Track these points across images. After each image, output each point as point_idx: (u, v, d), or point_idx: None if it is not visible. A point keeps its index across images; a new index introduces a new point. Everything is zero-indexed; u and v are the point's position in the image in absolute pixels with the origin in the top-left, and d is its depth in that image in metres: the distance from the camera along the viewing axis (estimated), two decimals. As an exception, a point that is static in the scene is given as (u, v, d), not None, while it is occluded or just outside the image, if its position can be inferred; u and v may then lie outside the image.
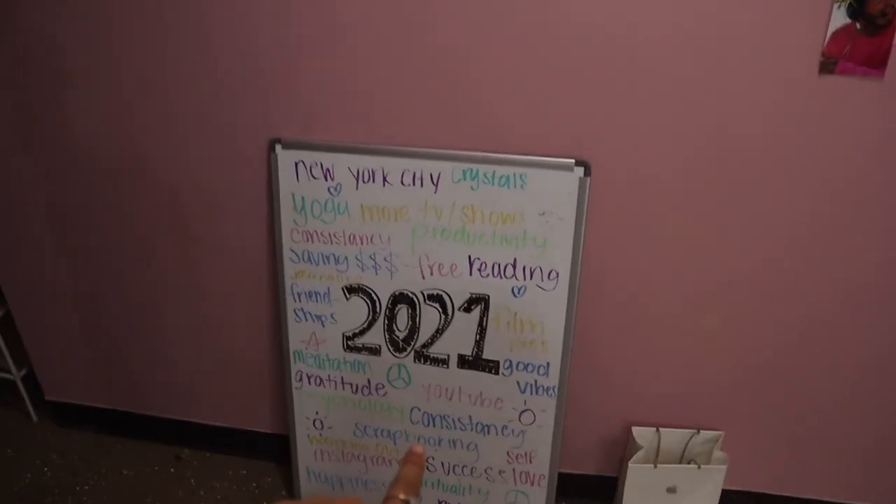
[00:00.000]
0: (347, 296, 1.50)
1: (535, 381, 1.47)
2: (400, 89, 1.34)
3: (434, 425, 1.57)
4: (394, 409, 1.58)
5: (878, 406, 1.51)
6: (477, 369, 1.49)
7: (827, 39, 1.13)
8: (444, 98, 1.33)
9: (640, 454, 1.55)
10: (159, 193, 1.56)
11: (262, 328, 1.68)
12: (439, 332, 1.48)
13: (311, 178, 1.42)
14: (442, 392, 1.53)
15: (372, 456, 1.65)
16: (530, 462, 1.55)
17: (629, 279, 1.45)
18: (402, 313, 1.48)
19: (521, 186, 1.33)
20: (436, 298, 1.45)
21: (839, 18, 1.12)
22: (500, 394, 1.50)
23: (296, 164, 1.41)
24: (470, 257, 1.41)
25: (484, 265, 1.41)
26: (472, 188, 1.35)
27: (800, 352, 1.47)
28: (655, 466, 1.53)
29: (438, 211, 1.38)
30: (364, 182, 1.40)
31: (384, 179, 1.38)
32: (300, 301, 1.53)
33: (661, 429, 1.59)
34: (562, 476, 1.56)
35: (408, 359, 1.52)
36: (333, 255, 1.47)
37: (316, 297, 1.51)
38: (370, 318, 1.50)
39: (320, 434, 1.66)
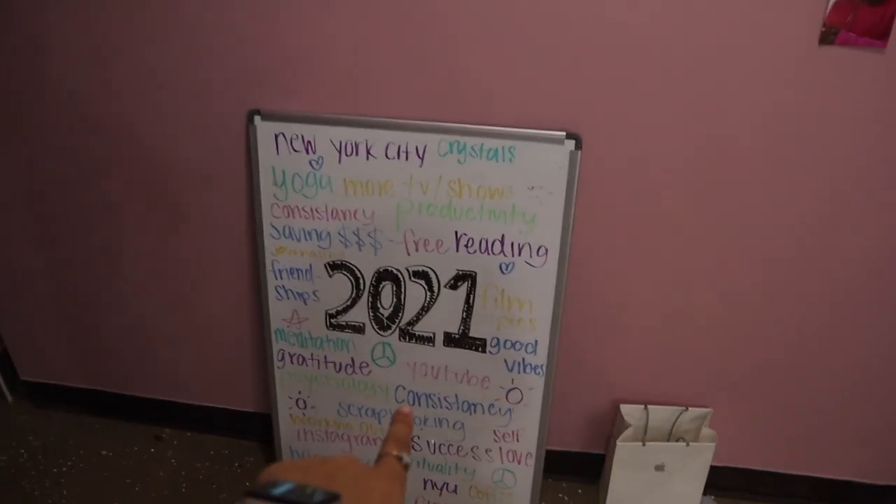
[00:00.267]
0: (330, 273, 1.45)
1: (523, 360, 1.44)
2: (384, 58, 1.28)
3: (420, 404, 1.54)
4: (378, 388, 1.55)
5: (866, 381, 1.50)
6: (463, 347, 1.46)
7: (829, 8, 1.09)
8: (430, 68, 1.28)
9: (628, 432, 1.54)
10: (136, 169, 1.50)
11: (242, 306, 1.63)
12: (425, 309, 1.44)
13: (291, 150, 1.36)
14: (427, 371, 1.50)
15: (356, 435, 1.62)
16: (517, 441, 1.52)
17: (619, 256, 1.42)
18: (387, 290, 1.45)
19: (510, 160, 1.29)
20: (421, 275, 1.41)
21: (841, -14, 1.08)
22: (486, 372, 1.47)
23: (276, 137, 1.36)
24: (456, 233, 1.36)
25: (471, 241, 1.37)
26: (458, 161, 1.31)
27: (788, 328, 1.46)
28: (644, 444, 1.52)
29: (424, 185, 1.34)
30: (347, 155, 1.34)
31: (368, 152, 1.33)
32: (281, 278, 1.48)
33: (649, 406, 1.57)
34: (548, 453, 1.55)
35: (392, 337, 1.48)
36: (315, 230, 1.42)
37: (297, 273, 1.47)
38: (354, 295, 1.46)
39: (303, 413, 1.62)
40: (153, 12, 1.31)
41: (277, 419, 1.65)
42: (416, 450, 1.58)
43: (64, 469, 1.77)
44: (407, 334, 1.47)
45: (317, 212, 1.40)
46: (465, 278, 1.40)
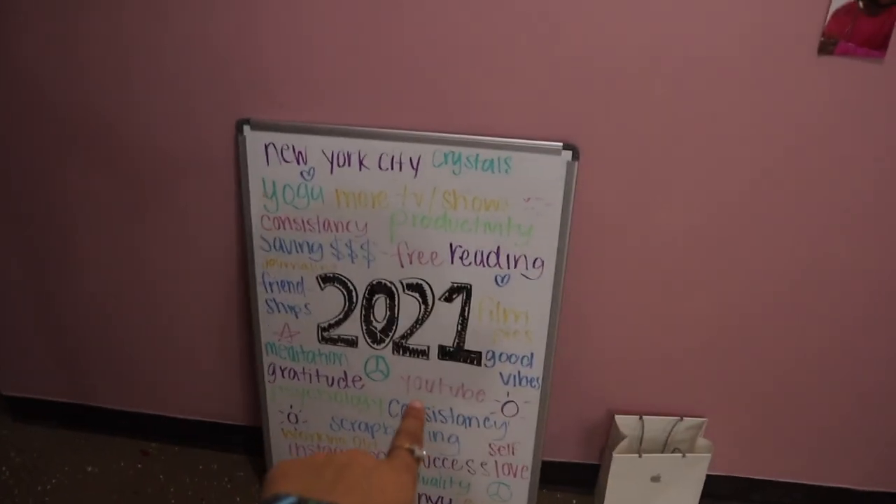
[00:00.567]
0: (322, 285, 1.42)
1: (519, 373, 1.42)
2: (377, 67, 1.25)
3: (414, 418, 1.51)
4: (371, 402, 1.52)
5: (861, 390, 1.50)
6: (458, 360, 1.44)
7: (828, 19, 1.08)
8: (424, 77, 1.25)
9: (624, 443, 1.52)
10: (121, 177, 1.46)
11: (232, 319, 1.60)
12: (419, 322, 1.42)
13: (282, 161, 1.33)
14: (422, 384, 1.48)
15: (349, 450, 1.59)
16: (513, 454, 1.51)
17: (616, 267, 1.40)
18: (380, 303, 1.42)
19: (506, 171, 1.27)
20: (415, 288, 1.39)
21: (841, -3, 1.07)
22: (482, 385, 1.45)
23: (266, 147, 1.33)
24: (451, 245, 1.34)
25: (466, 253, 1.34)
26: (453, 173, 1.28)
27: (783, 338, 1.45)
28: (640, 456, 1.51)
29: (418, 196, 1.31)
30: (339, 166, 1.32)
31: (360, 163, 1.31)
32: (272, 291, 1.45)
33: (644, 416, 1.56)
34: (543, 464, 1.53)
35: (386, 350, 1.46)
36: (307, 242, 1.39)
37: (288, 286, 1.44)
38: (346, 308, 1.43)
39: (295, 428, 1.59)
40: (140, 19, 1.27)
41: (268, 433, 1.62)
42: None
43: (48, 486, 1.72)
44: (401, 348, 1.45)
45: (308, 223, 1.37)
46: (459, 291, 1.38)
